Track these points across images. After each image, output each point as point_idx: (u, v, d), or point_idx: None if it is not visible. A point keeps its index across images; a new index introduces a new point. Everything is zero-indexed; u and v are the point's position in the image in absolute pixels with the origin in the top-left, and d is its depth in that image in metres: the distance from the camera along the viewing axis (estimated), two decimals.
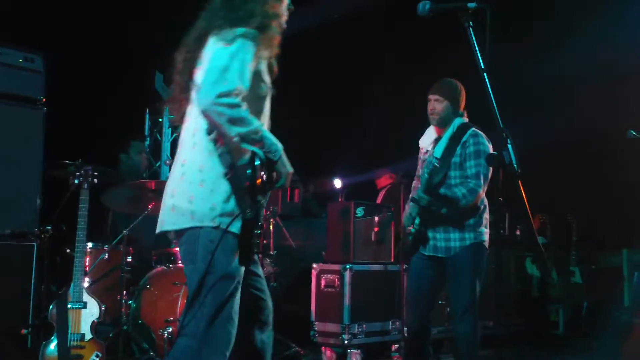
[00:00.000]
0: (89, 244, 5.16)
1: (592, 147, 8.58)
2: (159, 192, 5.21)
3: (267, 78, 2.97)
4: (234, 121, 2.66)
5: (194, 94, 2.83)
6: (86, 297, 4.50)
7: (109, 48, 7.51)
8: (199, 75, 2.76)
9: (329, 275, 6.01)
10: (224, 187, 2.74)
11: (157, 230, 2.88)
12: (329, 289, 5.99)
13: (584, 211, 8.91)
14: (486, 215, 4.37)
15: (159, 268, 5.51)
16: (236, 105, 2.65)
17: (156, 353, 5.00)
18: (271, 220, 5.69)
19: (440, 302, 6.26)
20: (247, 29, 2.77)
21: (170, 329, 4.91)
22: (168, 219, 2.82)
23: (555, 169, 8.82)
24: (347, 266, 5.89)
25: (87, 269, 5.17)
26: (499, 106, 2.80)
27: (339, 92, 8.98)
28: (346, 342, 5.78)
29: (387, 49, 8.86)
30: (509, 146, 2.75)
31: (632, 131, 5.42)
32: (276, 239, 6.03)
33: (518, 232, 8.63)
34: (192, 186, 2.76)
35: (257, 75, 2.87)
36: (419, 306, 4.42)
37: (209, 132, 2.76)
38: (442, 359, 6.14)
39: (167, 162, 6.23)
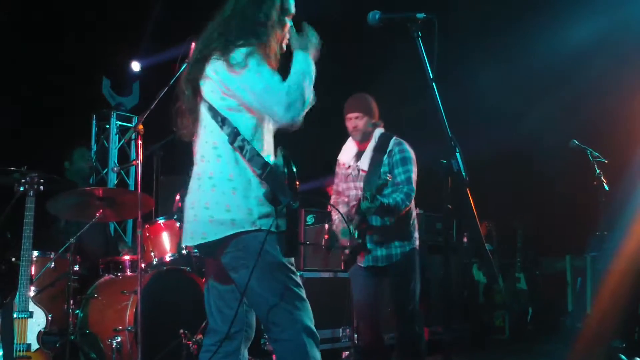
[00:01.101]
0: (35, 252, 5.05)
1: (537, 156, 8.77)
2: (106, 200, 5.15)
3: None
4: (298, 119, 2.96)
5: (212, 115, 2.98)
6: (32, 307, 4.42)
7: (54, 52, 7.39)
8: (238, 100, 2.93)
9: None
10: (255, 191, 2.91)
11: (198, 242, 2.96)
12: None
13: (529, 218, 9.10)
14: (416, 221, 4.52)
15: (107, 277, 5.44)
16: (297, 105, 2.91)
17: None
18: None
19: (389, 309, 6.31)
20: (248, 48, 2.93)
21: (119, 338, 4.86)
22: (209, 230, 2.91)
23: (500, 177, 8.98)
24: (298, 273, 5.87)
25: (33, 277, 5.06)
26: (447, 115, 2.87)
27: None
28: None
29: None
30: (457, 155, 2.82)
31: (574, 141, 5.59)
32: None
33: (465, 239, 8.75)
34: (225, 196, 2.90)
35: None
36: (370, 317, 4.49)
37: (231, 142, 2.92)
38: None
39: (115, 169, 6.14)
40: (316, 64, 3.07)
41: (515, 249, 9.08)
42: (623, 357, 4.68)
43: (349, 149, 4.75)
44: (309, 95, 2.97)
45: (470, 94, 8.16)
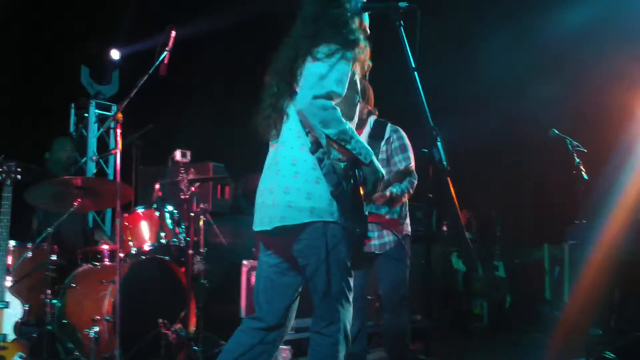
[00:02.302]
0: (12, 242, 5.00)
1: (516, 145, 8.81)
2: (85, 189, 5.11)
3: (359, 88, 3.14)
4: (326, 123, 2.82)
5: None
6: (9, 297, 4.37)
7: (33, 39, 7.30)
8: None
9: None
10: (334, 180, 2.91)
11: (274, 225, 2.95)
12: None
13: (508, 207, 9.16)
14: (407, 209, 4.53)
15: (86, 266, 5.40)
16: (329, 108, 2.82)
17: (82, 353, 4.89)
18: (202, 217, 5.63)
19: (369, 297, 6.32)
20: (341, 45, 2.92)
21: (97, 328, 4.81)
22: (288, 215, 2.91)
23: (479, 167, 9.02)
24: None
25: (9, 267, 5.00)
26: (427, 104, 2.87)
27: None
28: None
29: None
30: (439, 144, 2.82)
31: (554, 130, 5.61)
32: (206, 236, 5.97)
33: (445, 228, 8.80)
34: (308, 184, 2.92)
35: (352, 85, 3.02)
36: (357, 304, 4.49)
37: (312, 152, 2.94)
38: (371, 352, 6.20)
39: (94, 158, 6.08)
40: None
41: (494, 238, 9.14)
42: (609, 354, 4.72)
43: None
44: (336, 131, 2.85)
45: (449, 84, 8.17)
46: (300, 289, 3.18)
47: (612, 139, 6.91)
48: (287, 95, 3.06)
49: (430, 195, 2.82)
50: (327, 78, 2.84)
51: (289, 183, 2.94)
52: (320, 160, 2.93)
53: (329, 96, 2.83)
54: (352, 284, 3.02)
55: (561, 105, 7.81)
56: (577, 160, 5.45)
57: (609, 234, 6.26)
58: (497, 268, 9.01)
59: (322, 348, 2.99)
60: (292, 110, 3.03)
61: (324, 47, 2.91)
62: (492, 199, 9.17)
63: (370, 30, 3.21)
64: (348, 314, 3.01)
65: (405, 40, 2.96)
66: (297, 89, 2.96)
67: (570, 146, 5.52)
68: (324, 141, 2.88)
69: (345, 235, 2.94)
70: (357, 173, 2.97)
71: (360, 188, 2.97)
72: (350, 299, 3.02)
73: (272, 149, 3.14)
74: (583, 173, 5.38)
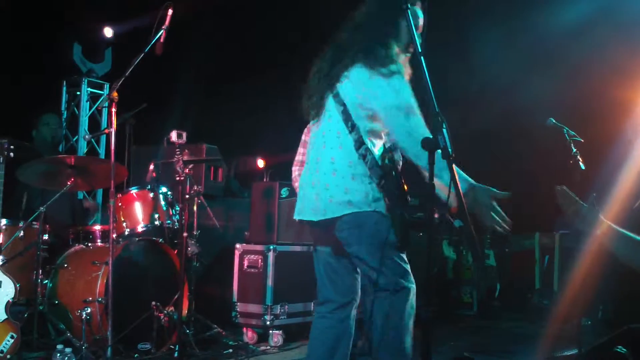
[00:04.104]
0: (3, 221, 4.94)
1: (506, 133, 8.80)
2: (78, 168, 5.04)
3: None
4: (419, 158, 3.05)
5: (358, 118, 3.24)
6: (0, 276, 4.32)
7: (25, 16, 7.19)
8: (370, 106, 3.20)
9: (252, 256, 5.97)
10: (370, 175, 3.21)
11: (319, 218, 3.26)
12: (252, 270, 5.95)
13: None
14: None
15: (78, 246, 5.35)
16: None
17: (73, 334, 4.84)
18: (195, 199, 5.59)
19: None
20: (394, 65, 3.19)
21: (89, 309, 4.77)
22: (329, 209, 3.24)
23: (470, 154, 9.00)
24: (271, 247, 5.86)
25: (1, 246, 4.94)
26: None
27: (266, 73, 8.89)
28: (268, 322, 5.77)
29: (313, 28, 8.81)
30: (444, 130, 2.78)
31: (552, 119, 5.58)
32: (198, 219, 5.93)
33: (435, 215, 8.77)
34: (345, 180, 3.23)
35: None
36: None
37: (356, 148, 3.22)
38: None
39: (86, 137, 5.99)
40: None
41: (485, 226, 9.13)
42: (621, 348, 4.71)
43: None
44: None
45: (446, 75, 8.13)
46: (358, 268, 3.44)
47: (608, 133, 6.89)
48: (329, 95, 3.32)
49: (433, 183, 2.78)
50: (411, 112, 3.12)
51: (329, 180, 3.26)
52: (363, 157, 3.21)
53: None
54: (404, 256, 3.28)
55: (558, 98, 7.80)
56: (574, 150, 5.42)
57: (604, 223, 6.24)
58: (488, 256, 9.02)
59: (391, 303, 3.22)
60: (333, 110, 3.29)
61: (379, 64, 3.17)
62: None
63: None
64: (407, 283, 3.25)
65: (412, 25, 2.92)
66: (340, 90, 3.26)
67: (567, 136, 5.49)
68: (365, 137, 3.21)
69: (386, 221, 3.20)
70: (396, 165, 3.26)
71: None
72: (408, 269, 3.27)
73: (314, 140, 3.43)
74: (580, 163, 5.36)
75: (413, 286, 3.28)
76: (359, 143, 3.23)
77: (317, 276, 3.52)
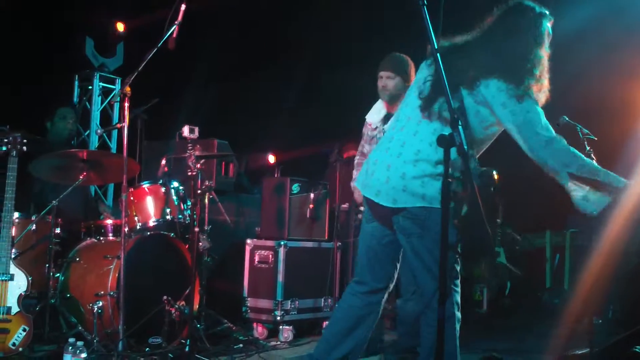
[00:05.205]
0: (16, 214, 4.95)
1: None
2: (90, 162, 5.05)
3: None
4: (567, 164, 3.28)
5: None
6: (13, 269, 4.33)
7: (38, 10, 7.21)
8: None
9: (262, 252, 5.97)
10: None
11: (391, 205, 3.26)
12: (263, 265, 5.95)
13: (510, 194, 9.11)
14: None
15: (89, 240, 5.36)
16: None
17: (85, 328, 4.85)
18: (207, 194, 5.59)
19: None
20: (527, 81, 3.26)
21: (101, 303, 4.78)
22: (400, 198, 3.24)
23: (482, 152, 8.97)
24: (282, 242, 5.86)
25: (13, 239, 4.95)
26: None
27: (278, 69, 8.89)
28: (278, 318, 5.77)
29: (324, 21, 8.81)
30: (459, 127, 2.77)
31: (564, 117, 5.55)
32: (209, 214, 5.93)
33: None
34: (424, 174, 3.20)
35: None
36: None
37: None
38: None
39: (98, 131, 6.00)
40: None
41: (496, 224, 9.11)
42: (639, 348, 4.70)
43: (377, 109, 4.65)
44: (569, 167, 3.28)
45: None
46: (400, 258, 3.51)
47: (619, 132, 6.86)
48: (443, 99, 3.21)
49: (450, 180, 2.76)
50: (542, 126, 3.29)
51: (408, 169, 3.24)
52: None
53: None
54: (457, 268, 3.31)
55: (564, 97, 7.76)
56: (588, 147, 5.39)
57: (616, 224, 6.22)
58: (498, 254, 8.99)
59: (435, 322, 3.21)
60: (442, 116, 3.24)
61: (513, 84, 3.24)
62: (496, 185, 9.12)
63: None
64: (457, 293, 3.33)
65: (428, 21, 2.90)
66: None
67: (580, 134, 5.46)
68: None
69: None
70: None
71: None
72: (454, 278, 3.32)
73: (406, 122, 3.38)
74: (593, 161, 5.31)
75: (458, 290, 3.36)
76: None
77: (359, 254, 3.56)
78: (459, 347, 3.42)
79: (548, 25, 3.46)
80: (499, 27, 3.41)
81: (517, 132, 3.31)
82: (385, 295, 3.54)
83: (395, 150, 3.33)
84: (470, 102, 3.27)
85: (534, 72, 3.30)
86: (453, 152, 2.95)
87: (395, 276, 3.55)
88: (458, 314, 3.36)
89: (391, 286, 3.53)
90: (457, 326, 3.34)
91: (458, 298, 3.35)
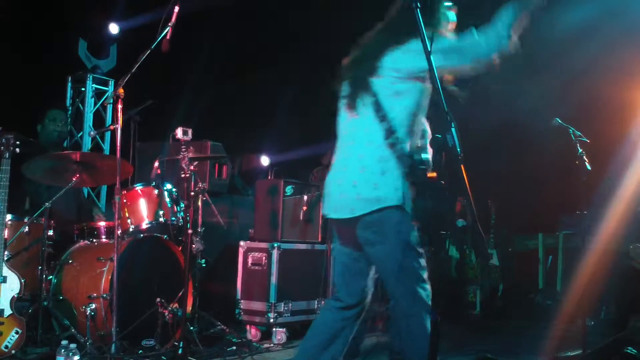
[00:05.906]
0: (9, 216, 4.93)
1: (511, 135, 8.78)
2: (83, 164, 5.04)
3: None
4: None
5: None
6: (6, 271, 4.33)
7: (31, 12, 7.19)
8: None
9: (256, 254, 5.97)
10: (399, 171, 3.18)
11: (349, 216, 3.26)
12: (256, 267, 5.95)
13: (503, 196, 9.14)
14: None
15: (82, 242, 5.34)
16: None
17: (77, 330, 4.84)
18: (200, 196, 5.59)
19: None
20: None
21: (94, 306, 4.77)
22: (357, 206, 3.22)
23: (475, 155, 8.98)
24: (275, 244, 5.86)
25: (6, 242, 4.93)
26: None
27: (271, 70, 8.89)
28: (272, 320, 5.77)
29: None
30: (453, 129, 2.77)
31: (557, 119, 5.57)
32: (203, 216, 5.93)
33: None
34: (374, 175, 3.19)
35: None
36: None
37: (385, 138, 3.19)
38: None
39: (91, 133, 5.98)
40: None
41: (489, 226, 9.12)
42: (631, 350, 4.71)
43: None
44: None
45: None
46: (373, 272, 3.46)
47: (613, 134, 6.89)
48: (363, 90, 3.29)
49: (442, 182, 2.77)
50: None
51: (357, 177, 3.23)
52: (392, 146, 3.18)
53: None
54: (424, 262, 3.24)
55: (561, 98, 7.78)
56: (580, 150, 5.41)
57: (609, 225, 6.25)
58: (491, 256, 9.00)
59: (413, 328, 3.23)
60: (366, 107, 3.25)
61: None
62: (488, 187, 9.14)
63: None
64: (426, 293, 3.22)
65: (422, 23, 2.90)
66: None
67: (573, 136, 5.48)
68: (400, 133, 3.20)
69: (409, 220, 3.19)
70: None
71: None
72: (425, 276, 3.24)
73: (342, 138, 3.38)
74: (586, 163, 5.34)
75: (428, 292, 3.26)
76: (389, 133, 3.21)
77: (334, 272, 3.58)
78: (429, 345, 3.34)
79: None
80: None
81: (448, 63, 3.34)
82: (359, 313, 3.51)
83: (341, 164, 3.36)
84: (384, 85, 3.26)
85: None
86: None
87: (369, 293, 3.51)
88: (426, 314, 3.23)
89: (367, 302, 3.50)
90: (427, 324, 3.20)
91: (428, 300, 3.23)
